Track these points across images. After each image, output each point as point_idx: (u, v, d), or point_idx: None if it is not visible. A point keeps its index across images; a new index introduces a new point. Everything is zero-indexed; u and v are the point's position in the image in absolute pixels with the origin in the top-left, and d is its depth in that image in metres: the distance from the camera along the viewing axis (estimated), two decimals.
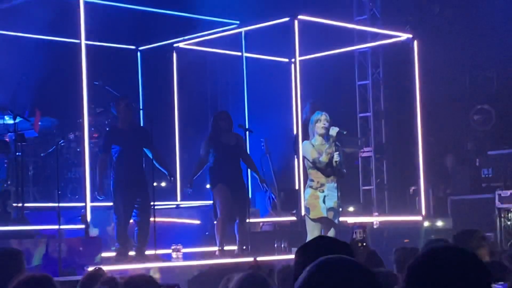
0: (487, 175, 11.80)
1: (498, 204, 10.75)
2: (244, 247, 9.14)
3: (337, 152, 8.19)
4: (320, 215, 8.13)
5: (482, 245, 5.04)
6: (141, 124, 10.57)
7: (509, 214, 10.71)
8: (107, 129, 9.34)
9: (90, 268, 6.07)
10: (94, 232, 8.80)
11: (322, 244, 2.75)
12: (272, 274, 5.29)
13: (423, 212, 11.40)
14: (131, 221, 8.77)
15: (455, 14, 13.52)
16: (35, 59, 10.19)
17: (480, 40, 13.07)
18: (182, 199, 11.18)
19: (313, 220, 8.13)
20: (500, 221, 10.68)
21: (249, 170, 9.54)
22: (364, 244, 4.17)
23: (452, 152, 13.14)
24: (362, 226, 4.28)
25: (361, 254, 4.15)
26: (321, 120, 8.22)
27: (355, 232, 4.24)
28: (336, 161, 8.19)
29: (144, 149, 8.90)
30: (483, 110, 12.94)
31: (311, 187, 8.22)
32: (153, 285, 3.97)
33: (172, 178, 9.27)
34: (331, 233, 8.13)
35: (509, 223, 10.67)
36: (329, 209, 8.14)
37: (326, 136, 8.23)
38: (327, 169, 8.20)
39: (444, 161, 13.16)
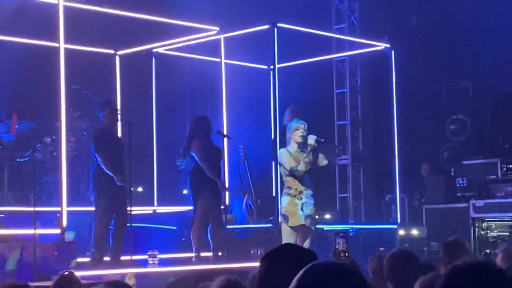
0: (461, 185, 11.89)
1: (472, 213, 10.84)
2: (220, 254, 9.14)
3: (322, 156, 8.25)
4: (299, 223, 8.14)
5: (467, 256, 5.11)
6: (119, 129, 10.53)
7: (483, 224, 10.80)
8: (96, 130, 9.25)
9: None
10: (69, 236, 8.75)
11: (289, 252, 2.74)
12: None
13: (398, 221, 11.48)
14: None
15: (432, 25, 13.64)
16: (13, 62, 10.14)
17: (456, 50, 13.19)
18: (158, 205, 11.16)
19: (292, 227, 8.14)
20: (474, 230, 10.78)
21: (227, 176, 9.55)
22: (347, 254, 4.16)
23: (428, 161, 13.23)
24: (344, 235, 4.26)
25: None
26: (299, 129, 8.23)
27: (338, 242, 4.22)
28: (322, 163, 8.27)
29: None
30: (458, 120, 13.04)
31: (289, 194, 8.21)
32: None
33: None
34: (307, 241, 8.16)
35: (483, 232, 10.76)
36: (307, 217, 8.16)
37: (302, 144, 8.27)
38: (304, 178, 8.22)
39: (420, 170, 13.25)
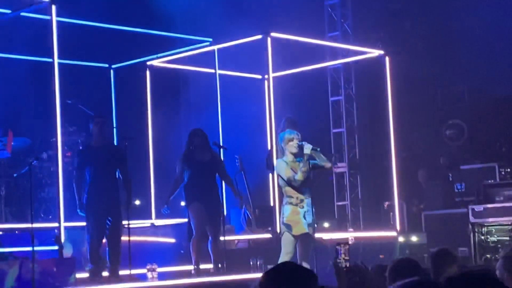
0: (460, 190, 11.87)
1: (471, 218, 10.81)
2: (219, 265, 9.11)
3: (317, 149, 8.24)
4: (303, 231, 8.14)
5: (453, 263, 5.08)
6: (115, 143, 10.51)
7: (483, 229, 10.77)
8: (80, 148, 9.25)
9: None
10: (68, 249, 8.72)
11: (291, 271, 2.76)
12: None
13: (398, 228, 11.45)
14: (104, 240, 8.69)
15: (427, 31, 13.65)
16: (7, 78, 10.11)
17: (451, 55, 13.20)
18: (157, 218, 11.12)
19: (295, 236, 8.13)
20: (474, 235, 10.74)
21: (224, 187, 9.52)
22: (347, 265, 4.14)
23: (425, 167, 13.22)
24: (345, 246, 4.22)
25: (344, 276, 4.13)
26: (294, 139, 8.24)
27: (339, 253, 4.19)
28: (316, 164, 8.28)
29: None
30: (455, 125, 13.04)
31: (291, 203, 8.21)
32: None
33: (128, 206, 8.96)
34: (310, 249, 8.18)
35: (482, 237, 10.73)
36: (309, 225, 8.17)
37: (297, 154, 8.27)
38: (302, 187, 8.21)
39: (417, 176, 13.24)
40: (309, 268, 2.88)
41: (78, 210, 8.60)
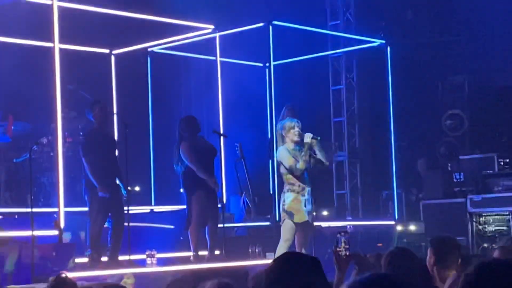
0: (459, 180, 11.89)
1: (470, 208, 10.84)
2: (217, 252, 9.13)
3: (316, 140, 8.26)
4: (304, 219, 8.18)
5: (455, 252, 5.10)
6: (115, 129, 10.52)
7: (481, 219, 10.81)
8: (85, 133, 9.21)
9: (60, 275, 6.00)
10: (66, 236, 8.74)
11: (296, 259, 2.79)
12: (247, 278, 5.28)
13: (396, 216, 11.48)
14: (105, 225, 8.71)
15: (428, 20, 13.64)
16: (7, 63, 10.11)
17: (452, 45, 13.20)
18: (156, 204, 11.15)
19: (296, 224, 8.16)
20: (472, 225, 10.78)
21: (224, 174, 9.54)
22: (347, 253, 4.15)
23: (424, 157, 13.23)
24: (346, 234, 4.23)
25: (344, 264, 4.15)
26: (295, 127, 8.26)
27: (339, 241, 4.20)
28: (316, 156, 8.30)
29: None
30: (455, 115, 13.05)
31: (293, 191, 8.23)
32: None
33: (126, 192, 8.96)
34: (309, 236, 8.23)
35: (480, 227, 10.77)
36: (308, 213, 8.22)
37: (298, 143, 8.28)
38: (303, 176, 8.24)
39: (416, 166, 13.26)
40: (313, 256, 2.91)
41: (101, 193, 8.48)
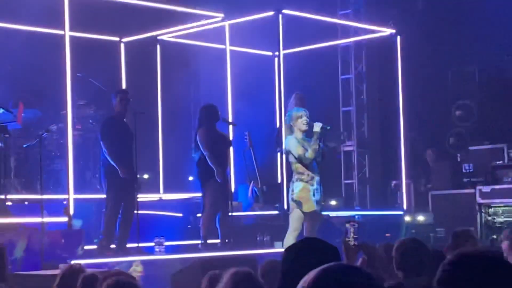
0: (468, 170, 11.87)
1: (478, 199, 10.83)
2: (227, 240, 9.16)
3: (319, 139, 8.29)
4: (313, 209, 8.19)
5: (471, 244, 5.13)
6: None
7: (489, 210, 10.79)
8: (106, 119, 9.24)
9: (71, 262, 6.04)
10: (77, 223, 8.79)
11: (313, 246, 2.77)
12: (255, 268, 5.30)
13: (404, 207, 11.48)
14: None
15: (438, 10, 13.58)
16: (18, 50, 10.13)
17: (462, 35, 13.14)
18: (164, 192, 11.17)
19: (304, 213, 8.17)
20: (481, 216, 10.77)
21: (232, 163, 9.56)
22: (356, 243, 4.15)
23: (434, 147, 13.21)
24: (355, 224, 4.23)
25: (353, 254, 4.16)
26: (303, 116, 8.25)
27: (348, 231, 4.20)
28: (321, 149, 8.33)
29: None
30: (464, 106, 13.02)
31: (301, 180, 8.24)
32: None
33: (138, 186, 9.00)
34: (317, 226, 8.24)
35: (489, 218, 10.76)
36: (317, 202, 8.22)
37: (306, 133, 8.28)
38: (311, 165, 8.25)
39: (425, 156, 13.24)
40: (329, 243, 2.90)
41: (123, 174, 8.50)
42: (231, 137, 9.90)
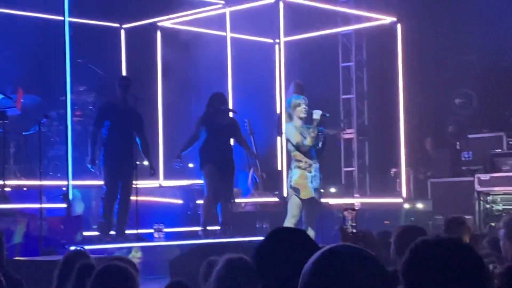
0: (467, 159, 11.88)
1: (477, 187, 10.84)
2: (227, 227, 9.17)
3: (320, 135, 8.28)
4: (310, 195, 8.19)
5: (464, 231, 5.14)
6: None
7: (488, 198, 10.81)
8: (102, 103, 9.28)
9: (72, 247, 6.05)
10: (80, 207, 8.83)
11: (295, 235, 2.74)
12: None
13: (404, 194, 11.49)
14: None
15: None
16: (18, 35, 10.11)
17: (462, 24, 13.11)
18: (165, 179, 11.18)
19: (302, 200, 8.18)
20: (479, 204, 10.78)
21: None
22: (354, 231, 4.16)
23: (433, 135, 13.21)
24: (353, 211, 4.24)
25: (350, 241, 4.17)
26: (301, 104, 8.24)
27: (346, 219, 4.21)
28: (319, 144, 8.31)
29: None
30: (464, 94, 13.01)
31: (299, 167, 8.24)
32: (127, 278, 3.58)
33: (153, 171, 9.15)
34: (315, 214, 8.25)
35: (488, 206, 10.77)
36: (315, 190, 8.22)
37: (305, 120, 8.27)
38: (310, 152, 8.25)
39: (425, 144, 13.25)
40: (307, 234, 2.86)
41: (89, 165, 8.61)
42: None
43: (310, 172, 8.23)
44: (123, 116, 8.77)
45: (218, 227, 9.23)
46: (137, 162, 9.03)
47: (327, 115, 8.32)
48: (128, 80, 9.06)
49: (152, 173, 9.08)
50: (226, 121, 9.30)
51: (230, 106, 10.37)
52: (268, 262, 2.58)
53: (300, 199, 8.18)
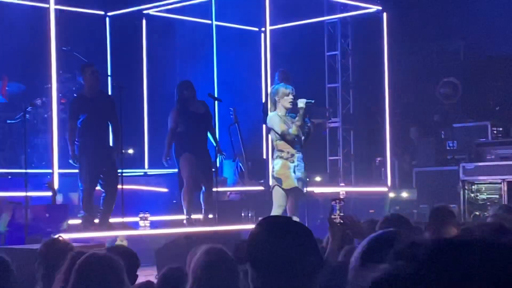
0: (452, 148, 11.93)
1: (462, 176, 10.89)
2: (210, 216, 9.16)
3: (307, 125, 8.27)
4: (293, 185, 8.16)
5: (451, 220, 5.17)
6: (109, 92, 10.47)
7: (473, 187, 10.86)
8: (74, 96, 9.18)
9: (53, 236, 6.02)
10: (58, 198, 8.76)
11: (290, 225, 2.70)
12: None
13: (389, 183, 11.54)
14: (98, 188, 8.69)
15: None
16: (2, 23, 10.05)
17: (447, 13, 13.15)
18: (150, 167, 11.17)
19: (285, 190, 8.16)
20: (464, 193, 10.83)
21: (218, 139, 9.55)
22: (342, 221, 4.16)
23: (418, 124, 13.26)
24: (340, 202, 4.23)
25: (338, 231, 4.18)
26: (289, 94, 8.18)
27: (334, 209, 4.21)
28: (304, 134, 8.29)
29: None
30: (449, 83, 13.05)
31: (281, 157, 8.21)
32: (112, 270, 3.48)
33: (119, 152, 8.95)
34: (298, 204, 8.23)
35: (472, 195, 10.83)
36: (298, 179, 8.20)
37: (290, 110, 8.24)
38: (295, 141, 8.23)
39: (409, 133, 13.30)
40: (302, 224, 2.86)
41: (71, 161, 8.54)
42: (216, 113, 9.87)
43: (293, 162, 8.19)
44: (97, 104, 8.61)
45: (201, 216, 9.21)
46: (122, 151, 8.99)
47: (312, 101, 8.29)
48: (93, 65, 8.87)
49: (117, 156, 8.85)
50: (203, 110, 9.23)
51: (215, 94, 10.35)
52: (261, 251, 2.56)
53: (283, 189, 8.16)
